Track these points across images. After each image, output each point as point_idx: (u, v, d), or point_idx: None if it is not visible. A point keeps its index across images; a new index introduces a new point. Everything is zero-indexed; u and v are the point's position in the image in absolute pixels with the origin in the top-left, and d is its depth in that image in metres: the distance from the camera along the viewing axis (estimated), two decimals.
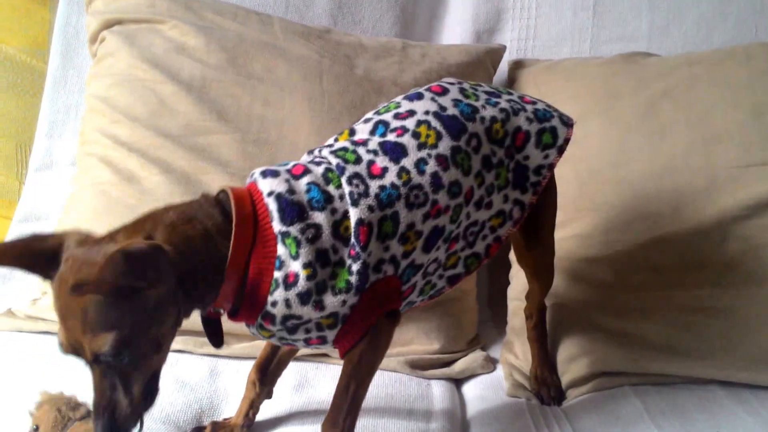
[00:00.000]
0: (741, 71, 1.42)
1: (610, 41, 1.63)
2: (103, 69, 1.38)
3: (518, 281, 1.43)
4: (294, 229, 0.83)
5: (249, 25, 1.42)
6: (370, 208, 0.86)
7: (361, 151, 0.91)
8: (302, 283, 0.83)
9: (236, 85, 1.34)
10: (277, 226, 0.83)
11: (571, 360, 1.25)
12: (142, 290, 0.74)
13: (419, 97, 0.98)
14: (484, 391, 1.25)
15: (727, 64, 1.45)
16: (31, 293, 1.34)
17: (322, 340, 0.89)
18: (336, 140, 0.97)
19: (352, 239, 0.85)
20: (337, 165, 0.88)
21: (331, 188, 0.87)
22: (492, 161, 0.98)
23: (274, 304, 0.84)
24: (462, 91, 1.01)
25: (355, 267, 0.84)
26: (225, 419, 1.07)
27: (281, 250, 0.83)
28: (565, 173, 1.39)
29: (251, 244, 0.83)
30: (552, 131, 1.02)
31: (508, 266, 1.48)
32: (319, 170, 0.89)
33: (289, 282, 0.83)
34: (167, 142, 1.31)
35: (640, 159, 1.38)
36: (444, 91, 0.99)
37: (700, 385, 1.23)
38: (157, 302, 0.76)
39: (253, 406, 1.06)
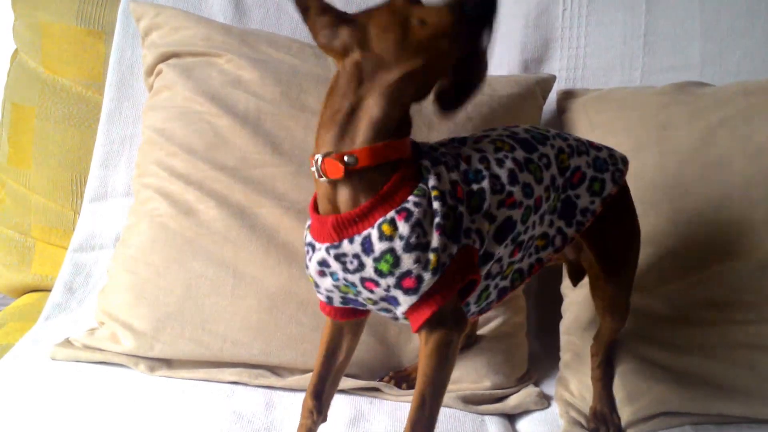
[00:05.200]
0: None
1: (661, 70, 1.61)
2: (159, 102, 1.40)
3: (570, 314, 1.42)
4: (426, 161, 0.92)
5: (303, 58, 1.43)
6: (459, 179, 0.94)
7: (442, 149, 0.98)
8: (436, 204, 0.89)
9: (290, 118, 1.35)
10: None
11: (630, 399, 1.22)
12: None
13: (491, 129, 1.06)
14: (540, 429, 1.23)
15: None
16: (88, 323, 1.36)
17: (418, 282, 0.88)
18: None
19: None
20: (429, 146, 0.97)
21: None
22: (556, 183, 1.03)
23: (416, 204, 0.87)
24: (532, 126, 1.08)
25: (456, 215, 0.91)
26: None
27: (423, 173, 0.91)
28: None
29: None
30: (601, 182, 1.08)
31: (559, 299, 1.46)
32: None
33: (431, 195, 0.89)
34: (223, 175, 1.32)
35: (696, 191, 1.35)
36: (513, 126, 1.07)
37: (763, 425, 1.20)
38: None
39: None
